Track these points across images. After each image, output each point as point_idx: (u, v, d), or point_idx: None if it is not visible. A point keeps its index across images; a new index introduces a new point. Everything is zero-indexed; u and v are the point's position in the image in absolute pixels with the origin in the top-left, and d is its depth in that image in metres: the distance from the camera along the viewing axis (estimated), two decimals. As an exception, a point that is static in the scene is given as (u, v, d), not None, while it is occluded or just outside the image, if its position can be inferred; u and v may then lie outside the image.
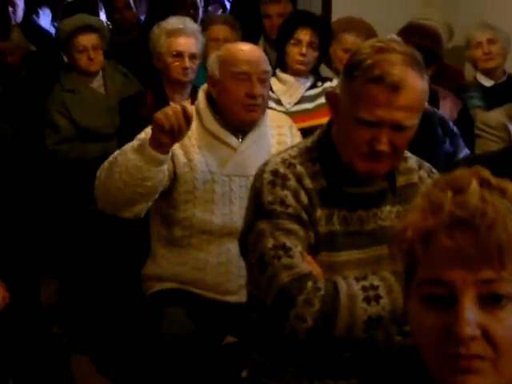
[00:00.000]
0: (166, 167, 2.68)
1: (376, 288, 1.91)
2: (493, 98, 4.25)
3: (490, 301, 1.10)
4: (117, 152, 2.70)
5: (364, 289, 1.90)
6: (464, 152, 3.50)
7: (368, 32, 4.38)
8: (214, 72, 2.87)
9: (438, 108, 3.92)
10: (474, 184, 1.13)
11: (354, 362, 2.05)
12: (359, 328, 1.88)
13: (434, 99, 3.96)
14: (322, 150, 2.09)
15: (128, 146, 2.67)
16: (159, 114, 2.51)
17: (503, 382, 1.12)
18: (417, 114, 1.95)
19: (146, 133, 2.76)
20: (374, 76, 1.89)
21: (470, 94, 4.50)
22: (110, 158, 2.70)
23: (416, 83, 1.91)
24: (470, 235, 1.10)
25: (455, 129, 3.59)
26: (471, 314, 1.09)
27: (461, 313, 1.09)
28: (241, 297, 2.66)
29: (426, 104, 3.45)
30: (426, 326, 1.14)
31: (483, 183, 1.14)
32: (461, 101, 4.30)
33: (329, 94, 2.07)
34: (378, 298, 1.90)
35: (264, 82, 2.85)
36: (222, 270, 2.86)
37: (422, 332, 1.15)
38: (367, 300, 1.89)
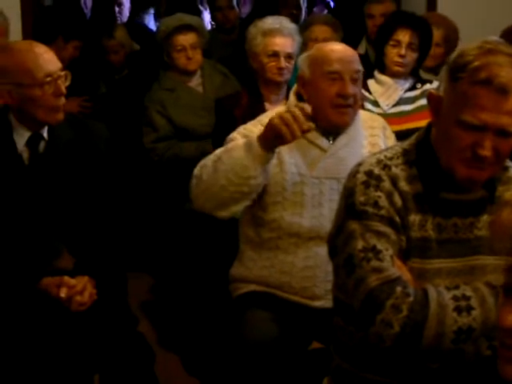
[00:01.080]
0: (270, 165, 2.67)
1: (468, 298, 1.85)
2: None
3: None
4: (219, 150, 2.71)
5: (455, 298, 1.85)
6: None
7: (446, 24, 4.36)
8: (305, 72, 2.81)
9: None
10: None
11: (440, 375, 1.98)
12: (448, 338, 1.82)
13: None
14: (420, 153, 2.04)
15: (233, 145, 2.67)
16: (276, 119, 2.49)
17: None
18: None
19: (241, 132, 2.76)
20: (480, 78, 1.83)
21: None
22: (211, 156, 2.71)
23: None
24: None
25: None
26: None
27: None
28: (327, 302, 2.62)
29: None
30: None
31: None
32: None
33: (431, 96, 2.00)
34: (469, 308, 1.84)
35: (356, 81, 2.78)
36: (309, 274, 2.81)
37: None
38: (458, 310, 1.83)
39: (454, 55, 1.95)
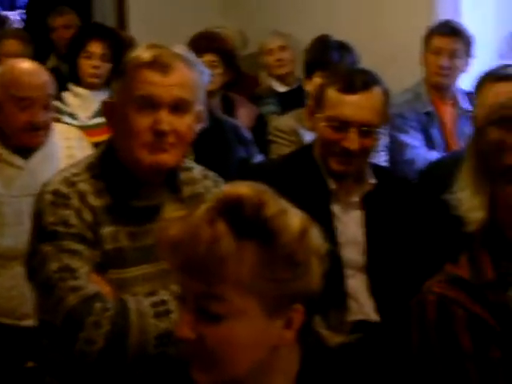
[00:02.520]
0: None
1: (166, 303, 1.90)
2: (287, 104, 4.35)
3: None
4: None
5: (154, 305, 1.90)
6: (258, 158, 3.55)
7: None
8: None
9: (234, 115, 3.97)
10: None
11: (147, 379, 2.03)
12: (151, 344, 1.87)
13: (229, 107, 4.01)
14: (105, 165, 2.05)
15: None
16: None
17: None
18: (191, 95, 1.98)
19: None
20: (145, 60, 1.94)
21: (265, 101, 4.59)
22: None
23: (185, 70, 1.97)
24: None
25: (249, 136, 3.64)
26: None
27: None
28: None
29: (220, 112, 3.54)
30: None
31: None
32: (257, 107, 4.38)
33: (104, 104, 2.07)
34: (168, 312, 1.89)
35: (48, 106, 2.76)
36: (16, 293, 2.77)
37: None
38: (157, 316, 1.88)
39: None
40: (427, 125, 3.98)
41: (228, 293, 1.27)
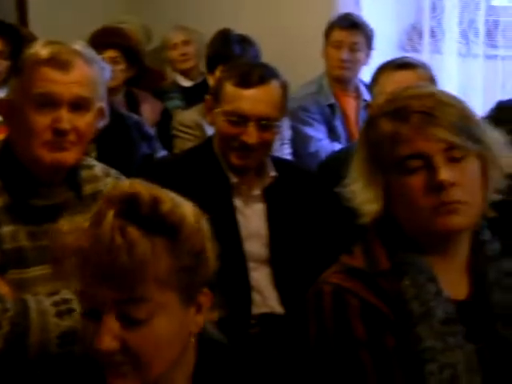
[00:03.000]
0: None
1: (68, 302, 1.89)
2: (192, 98, 4.34)
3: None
4: None
5: (55, 303, 1.89)
6: (161, 154, 3.55)
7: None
8: None
9: (138, 111, 3.95)
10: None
11: (52, 378, 2.01)
12: (53, 343, 1.86)
13: (133, 103, 4.00)
14: (2, 163, 2.03)
15: None
16: None
17: None
18: (91, 92, 1.99)
19: None
20: (43, 57, 1.94)
21: (170, 95, 4.59)
22: None
23: (84, 68, 1.98)
24: None
25: (152, 131, 3.64)
26: None
27: None
28: None
29: (123, 108, 3.52)
30: None
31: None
32: (161, 102, 4.37)
33: (0, 102, 2.04)
34: (70, 311, 1.88)
35: None
36: None
37: None
38: (59, 314, 1.87)
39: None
40: (330, 117, 4.03)
41: (148, 292, 1.29)
